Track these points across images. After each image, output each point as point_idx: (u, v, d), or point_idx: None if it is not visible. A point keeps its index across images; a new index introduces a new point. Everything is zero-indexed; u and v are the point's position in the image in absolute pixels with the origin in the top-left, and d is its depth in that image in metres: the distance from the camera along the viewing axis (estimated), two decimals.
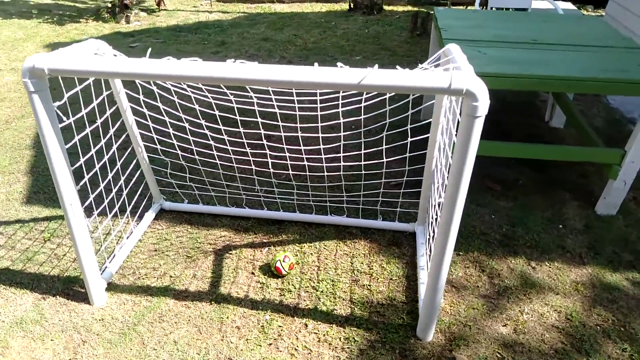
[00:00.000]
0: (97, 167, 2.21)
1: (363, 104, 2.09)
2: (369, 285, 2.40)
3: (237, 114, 2.32)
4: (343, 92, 1.64)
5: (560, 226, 2.81)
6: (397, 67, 1.54)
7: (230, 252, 2.62)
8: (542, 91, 2.99)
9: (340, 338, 2.13)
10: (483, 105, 1.50)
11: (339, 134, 2.89)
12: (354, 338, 2.13)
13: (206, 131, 2.54)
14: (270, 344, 2.10)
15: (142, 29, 6.86)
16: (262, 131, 2.68)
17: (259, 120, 2.48)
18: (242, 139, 2.70)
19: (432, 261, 1.90)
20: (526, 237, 2.72)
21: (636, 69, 2.52)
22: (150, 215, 2.83)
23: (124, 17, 7.29)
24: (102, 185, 2.27)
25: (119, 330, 2.15)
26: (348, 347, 2.09)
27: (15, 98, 4.51)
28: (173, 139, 2.70)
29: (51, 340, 2.10)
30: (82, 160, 2.06)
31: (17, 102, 4.43)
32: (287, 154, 2.68)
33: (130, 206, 2.76)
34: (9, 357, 2.02)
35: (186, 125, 2.47)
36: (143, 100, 2.40)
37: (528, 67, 2.52)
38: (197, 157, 2.84)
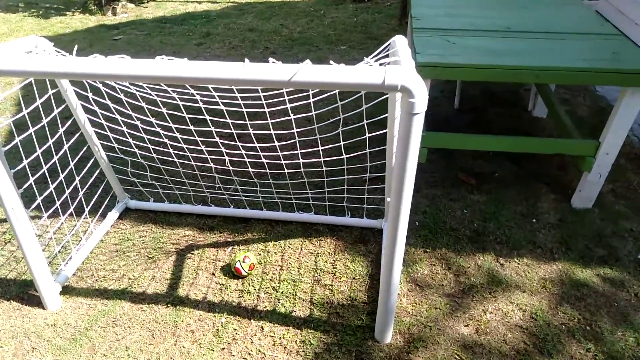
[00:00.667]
0: (45, 168, 2.14)
1: (309, 98, 2.01)
2: (331, 285, 2.34)
3: (184, 112, 2.24)
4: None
5: (534, 220, 2.72)
6: (331, 62, 1.45)
7: (192, 252, 2.56)
8: (511, 81, 2.84)
9: (296, 341, 2.07)
10: (420, 102, 1.42)
11: (308, 128, 2.80)
12: (310, 341, 2.07)
13: (158, 129, 2.47)
14: (224, 349, 2.04)
15: (128, 21, 6.76)
16: (215, 129, 2.60)
17: (206, 117, 2.40)
18: (196, 137, 2.62)
19: (383, 261, 1.83)
20: (497, 233, 2.63)
21: (610, 57, 2.42)
22: (113, 214, 2.78)
23: (111, 9, 7.18)
24: (52, 187, 2.21)
25: (70, 336, 2.11)
26: (303, 351, 2.03)
27: None
28: (128, 137, 2.63)
29: (0, 347, 2.06)
30: (25, 162, 2.00)
31: None
32: (244, 152, 2.61)
33: (89, 206, 2.70)
34: None
35: (138, 123, 2.40)
36: (93, 99, 2.33)
37: (495, 57, 2.42)
38: (154, 155, 2.76)
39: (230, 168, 2.57)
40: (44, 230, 2.67)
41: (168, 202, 2.88)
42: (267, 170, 2.65)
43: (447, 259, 2.48)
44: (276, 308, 2.23)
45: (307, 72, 1.41)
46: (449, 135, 2.68)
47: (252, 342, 2.07)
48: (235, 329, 2.13)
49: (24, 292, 2.32)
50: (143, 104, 2.17)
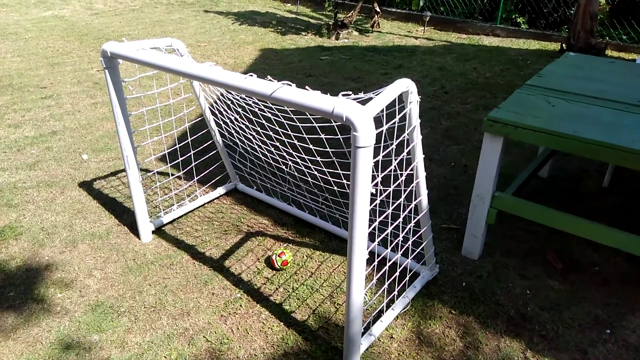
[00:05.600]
0: (163, 136, 2.84)
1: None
2: (339, 305, 2.43)
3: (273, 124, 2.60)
4: None
5: (607, 331, 2.25)
6: (307, 87, 1.65)
7: (256, 237, 2.96)
8: (594, 158, 2.23)
9: (277, 335, 2.26)
10: (364, 136, 1.50)
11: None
12: (287, 341, 2.23)
13: (253, 132, 2.92)
14: (222, 316, 2.38)
15: (342, 46, 7.65)
16: (286, 139, 2.91)
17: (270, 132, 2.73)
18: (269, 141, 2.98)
19: (347, 291, 1.89)
20: (548, 326, 2.27)
21: None
22: (220, 190, 3.39)
23: (335, 34, 8.23)
24: (166, 151, 2.90)
25: (140, 263, 2.74)
26: (279, 345, 2.21)
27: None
28: (232, 130, 3.18)
29: (100, 252, 2.83)
30: (147, 126, 2.71)
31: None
32: (300, 161, 2.86)
33: (199, 176, 3.35)
34: (71, 254, 2.82)
35: (241, 123, 2.91)
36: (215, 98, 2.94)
37: (581, 128, 2.12)
38: (249, 149, 3.24)
39: (296, 174, 2.87)
40: (165, 184, 3.45)
41: (264, 194, 3.36)
42: (322, 185, 2.86)
43: (469, 328, 2.28)
44: (282, 304, 2.45)
45: (283, 91, 1.65)
46: (522, 203, 2.43)
47: (245, 321, 2.35)
48: (241, 306, 2.44)
49: (134, 223, 3.08)
50: (249, 114, 2.66)
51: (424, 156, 2.07)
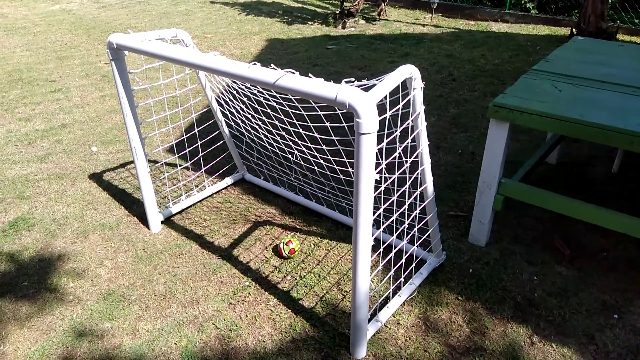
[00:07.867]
0: (170, 126, 2.86)
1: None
2: (346, 292, 2.45)
3: (281, 114, 2.60)
4: None
5: (615, 316, 2.24)
6: (310, 75, 1.65)
7: (264, 226, 2.98)
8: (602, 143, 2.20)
9: (285, 322, 2.29)
10: (367, 123, 1.51)
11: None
12: (295, 327, 2.26)
13: (259, 122, 2.93)
14: (231, 303, 2.41)
15: (349, 34, 7.61)
16: (293, 129, 2.90)
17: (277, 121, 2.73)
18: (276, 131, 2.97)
19: (352, 278, 1.91)
20: (555, 311, 2.28)
21: None
22: (228, 180, 3.41)
23: (341, 22, 8.18)
24: (173, 142, 2.92)
25: (150, 252, 2.78)
26: (287, 332, 2.24)
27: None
28: (238, 120, 3.20)
29: (111, 242, 2.87)
30: (154, 117, 2.73)
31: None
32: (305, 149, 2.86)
33: (207, 166, 3.38)
34: (82, 244, 2.86)
35: (248, 113, 2.92)
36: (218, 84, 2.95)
37: (588, 112, 2.11)
38: (255, 138, 3.26)
39: (302, 163, 2.89)
40: (173, 175, 3.49)
41: (272, 183, 3.38)
42: (329, 173, 2.87)
43: (476, 314, 2.29)
44: (290, 292, 2.47)
45: (287, 79, 1.65)
46: (529, 189, 2.42)
47: (254, 308, 2.38)
48: (249, 294, 2.47)
49: (143, 213, 3.11)
50: (255, 104, 2.67)
51: (430, 143, 2.06)
